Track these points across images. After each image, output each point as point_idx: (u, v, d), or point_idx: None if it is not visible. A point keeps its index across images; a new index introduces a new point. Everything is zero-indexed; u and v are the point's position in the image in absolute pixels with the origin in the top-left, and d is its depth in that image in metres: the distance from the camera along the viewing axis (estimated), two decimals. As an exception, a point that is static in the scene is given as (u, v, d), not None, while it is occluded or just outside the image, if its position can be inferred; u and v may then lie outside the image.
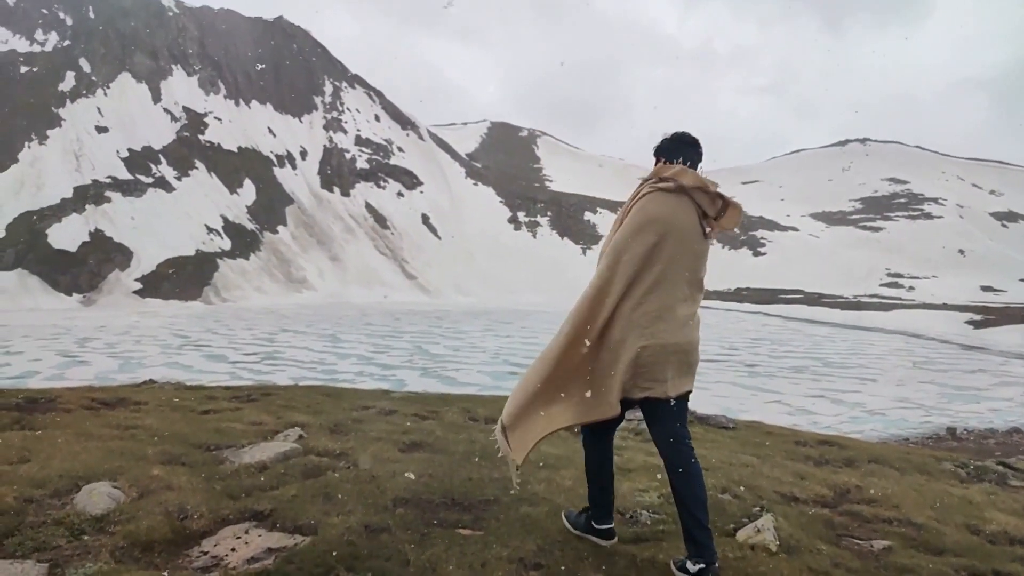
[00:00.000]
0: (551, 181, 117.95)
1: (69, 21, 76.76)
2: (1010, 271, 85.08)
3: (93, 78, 71.84)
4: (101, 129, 66.87)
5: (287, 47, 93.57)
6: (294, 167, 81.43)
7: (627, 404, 2.99)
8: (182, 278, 55.71)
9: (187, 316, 44.43)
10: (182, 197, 65.61)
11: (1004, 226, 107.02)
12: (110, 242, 55.44)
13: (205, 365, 23.53)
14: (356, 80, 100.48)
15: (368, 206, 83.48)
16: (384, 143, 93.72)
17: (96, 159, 63.06)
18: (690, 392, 2.98)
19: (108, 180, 61.41)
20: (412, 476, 4.02)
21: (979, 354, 33.39)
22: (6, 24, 73.56)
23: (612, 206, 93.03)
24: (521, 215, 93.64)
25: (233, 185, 71.91)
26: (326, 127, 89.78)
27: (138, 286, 53.23)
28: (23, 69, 69.13)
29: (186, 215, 63.37)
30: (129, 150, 66.67)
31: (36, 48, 72.86)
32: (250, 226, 68.25)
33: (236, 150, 76.11)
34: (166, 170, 67.59)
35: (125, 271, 54.01)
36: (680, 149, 3.02)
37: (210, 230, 63.65)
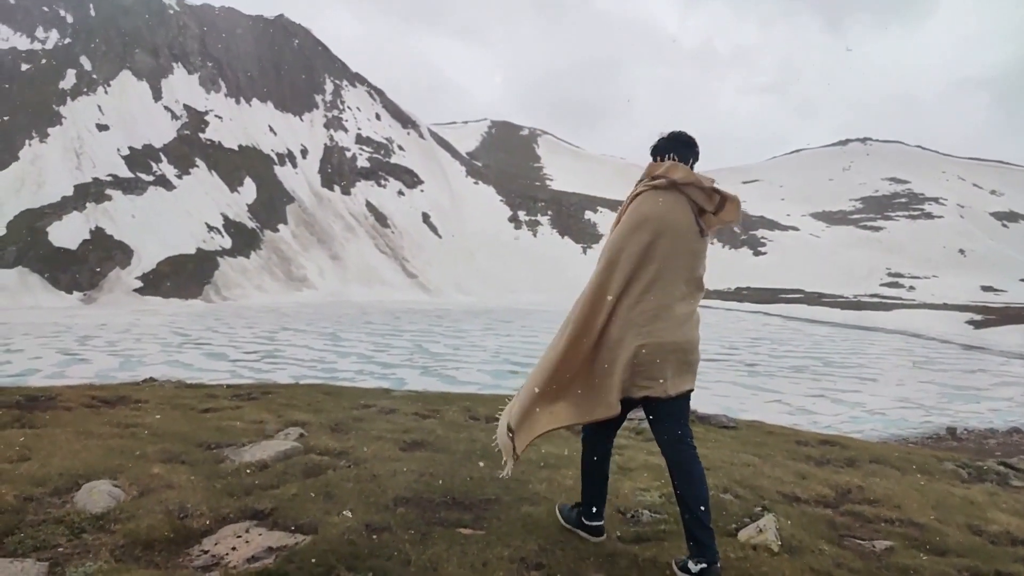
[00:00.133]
0: (552, 180, 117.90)
1: (70, 19, 76.72)
2: (1010, 271, 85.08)
3: (94, 76, 71.80)
4: (102, 127, 66.84)
5: (288, 45, 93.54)
6: (295, 165, 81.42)
7: (629, 404, 3.00)
8: (183, 276, 55.71)
9: (187, 314, 44.43)
10: (183, 195, 65.59)
11: (1005, 226, 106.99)
12: (111, 240, 55.43)
13: (205, 363, 23.53)
14: (357, 78, 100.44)
15: (369, 205, 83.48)
16: (385, 142, 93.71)
17: (97, 157, 63.04)
18: (691, 391, 2.98)
19: (109, 178, 61.39)
20: (412, 472, 4.01)
21: (979, 354, 33.38)
22: (7, 22, 73.52)
23: (613, 205, 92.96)
24: (522, 214, 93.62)
25: (234, 183, 71.90)
26: (327, 125, 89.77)
27: (139, 284, 53.22)
28: (24, 67, 69.11)
29: (187, 213, 63.36)
30: (130, 148, 66.64)
31: (37, 46, 72.81)
32: (251, 224, 68.25)
33: (237, 148, 76.09)
34: (167, 168, 67.57)
35: (126, 269, 54.00)
36: (676, 148, 3.03)
37: (211, 228, 63.65)
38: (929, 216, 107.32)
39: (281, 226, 71.31)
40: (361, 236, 77.41)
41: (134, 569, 2.69)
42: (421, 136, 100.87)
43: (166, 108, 74.72)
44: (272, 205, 72.72)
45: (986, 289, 76.89)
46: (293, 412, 6.08)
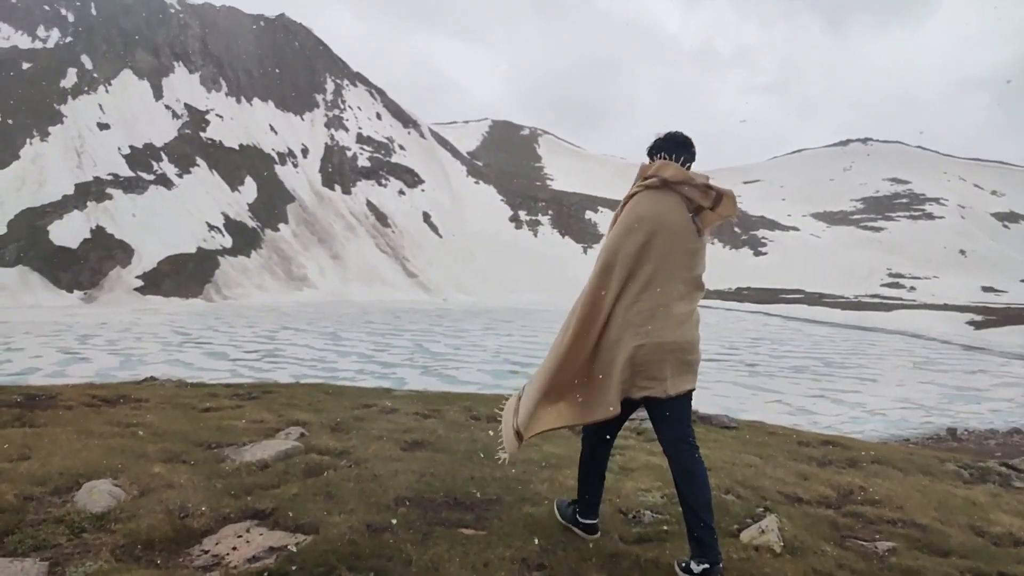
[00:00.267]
0: (552, 180, 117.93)
1: (71, 18, 76.76)
2: (1011, 272, 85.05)
3: (95, 75, 71.82)
4: (103, 126, 66.87)
5: (289, 45, 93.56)
6: (295, 165, 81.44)
7: (630, 404, 3.00)
8: (183, 275, 55.74)
9: (188, 313, 44.44)
10: (183, 194, 65.61)
11: (1005, 227, 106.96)
12: (111, 239, 55.46)
13: (206, 362, 23.53)
14: (358, 78, 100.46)
15: (369, 204, 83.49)
16: (385, 141, 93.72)
17: (98, 156, 63.06)
18: (692, 391, 2.97)
19: (109, 177, 61.42)
20: (414, 472, 4.00)
21: (980, 355, 33.35)
22: (8, 20, 73.57)
23: (613, 205, 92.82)
24: (522, 214, 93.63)
25: (234, 182, 71.92)
26: (327, 125, 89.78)
27: (139, 283, 53.25)
28: (25, 65, 69.13)
29: (187, 212, 63.37)
30: (131, 147, 66.68)
31: (38, 45, 72.86)
32: (251, 224, 68.26)
33: (237, 147, 76.12)
34: (167, 167, 67.60)
35: (126, 268, 54.03)
36: (672, 149, 3.03)
37: (211, 227, 63.66)
38: (930, 217, 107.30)
39: (282, 225, 71.33)
40: (362, 235, 77.42)
41: (134, 569, 2.68)
42: (422, 136, 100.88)
43: (167, 107, 74.74)
44: (273, 204, 72.74)
45: (987, 290, 76.88)
46: (294, 412, 6.08)
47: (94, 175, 60.60)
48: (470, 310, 56.11)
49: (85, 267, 51.95)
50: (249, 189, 72.52)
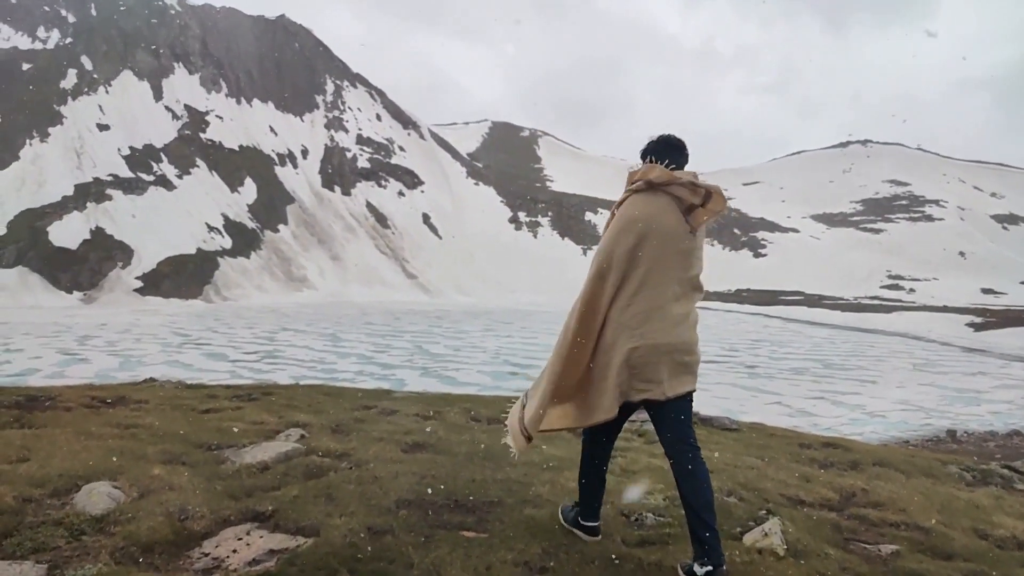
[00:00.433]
0: (552, 181, 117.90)
1: (71, 18, 76.78)
2: (1011, 273, 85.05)
3: (95, 76, 71.81)
4: (102, 127, 66.85)
5: (289, 45, 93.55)
6: (295, 166, 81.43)
7: (629, 407, 3.01)
8: (183, 276, 55.71)
9: (187, 314, 44.41)
10: (183, 195, 65.59)
11: (1005, 228, 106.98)
12: (111, 240, 55.42)
13: (205, 364, 23.50)
14: (357, 79, 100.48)
15: (369, 205, 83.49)
16: (385, 142, 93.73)
17: (97, 157, 63.04)
18: (691, 392, 2.97)
19: (109, 178, 61.39)
20: (414, 474, 3.98)
21: (979, 356, 33.34)
22: (8, 21, 73.58)
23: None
24: (522, 215, 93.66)
25: (234, 183, 71.90)
26: (327, 126, 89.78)
27: (139, 284, 53.20)
28: (25, 66, 69.11)
29: (187, 213, 63.35)
30: (130, 148, 66.65)
31: (38, 45, 72.86)
32: (251, 225, 68.25)
33: (237, 148, 76.11)
34: (167, 168, 67.58)
35: (126, 269, 53.98)
36: (664, 152, 3.04)
37: (211, 228, 63.64)
38: (929, 218, 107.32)
39: (281, 226, 71.31)
40: (361, 237, 77.42)
41: (134, 572, 2.67)
42: (421, 137, 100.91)
43: (167, 108, 74.72)
44: (272, 205, 72.73)
45: (986, 292, 76.88)
46: (294, 413, 6.06)
47: (94, 176, 60.57)
48: (470, 311, 56.09)
49: (85, 268, 51.91)
50: (249, 190, 72.51)
